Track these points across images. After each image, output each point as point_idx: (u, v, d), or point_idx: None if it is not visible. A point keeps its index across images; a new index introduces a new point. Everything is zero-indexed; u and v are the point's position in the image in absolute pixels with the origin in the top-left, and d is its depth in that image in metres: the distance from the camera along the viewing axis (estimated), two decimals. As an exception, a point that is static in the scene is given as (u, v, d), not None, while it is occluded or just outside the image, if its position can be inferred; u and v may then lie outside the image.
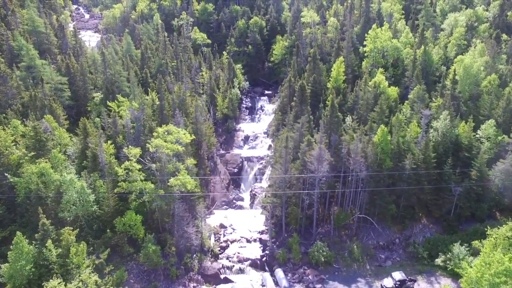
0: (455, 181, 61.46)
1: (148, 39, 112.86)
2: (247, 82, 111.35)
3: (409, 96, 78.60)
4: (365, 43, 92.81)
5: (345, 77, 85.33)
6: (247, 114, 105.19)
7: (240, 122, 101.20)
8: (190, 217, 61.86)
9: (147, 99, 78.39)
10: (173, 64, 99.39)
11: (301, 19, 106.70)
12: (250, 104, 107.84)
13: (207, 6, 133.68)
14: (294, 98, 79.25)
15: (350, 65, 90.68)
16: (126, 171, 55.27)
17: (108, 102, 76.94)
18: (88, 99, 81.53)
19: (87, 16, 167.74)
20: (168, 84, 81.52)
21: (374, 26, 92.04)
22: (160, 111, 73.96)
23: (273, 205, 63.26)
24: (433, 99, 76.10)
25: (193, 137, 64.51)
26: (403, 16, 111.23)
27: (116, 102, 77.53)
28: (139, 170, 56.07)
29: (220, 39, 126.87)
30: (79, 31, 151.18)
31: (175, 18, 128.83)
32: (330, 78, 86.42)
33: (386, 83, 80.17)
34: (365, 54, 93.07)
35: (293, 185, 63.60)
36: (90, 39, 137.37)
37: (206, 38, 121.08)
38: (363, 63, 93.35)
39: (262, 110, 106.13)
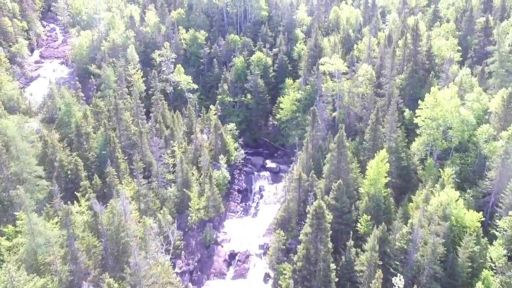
0: None
1: (108, 89, 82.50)
2: (242, 152, 79.37)
3: (498, 228, 45.87)
4: (417, 112, 60.10)
5: (389, 179, 52.81)
6: (239, 201, 73.40)
7: (227, 217, 69.43)
8: None
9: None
10: (133, 133, 68.88)
11: (320, 67, 74.37)
12: (244, 185, 76.11)
13: (197, 35, 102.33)
14: (309, 228, 46.62)
15: (394, 151, 58.12)
16: None
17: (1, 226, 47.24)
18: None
19: (60, 39, 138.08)
20: (93, 204, 49.34)
21: (435, 89, 58.97)
22: (72, 260, 42.99)
23: None
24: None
25: None
26: (459, 55, 78.48)
27: (14, 227, 47.58)
28: None
29: (212, 81, 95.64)
30: (43, 61, 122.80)
31: (156, 50, 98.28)
32: (364, 177, 54.23)
33: (461, 205, 47.22)
34: (418, 132, 60.23)
35: None
36: (52, 75, 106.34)
37: (191, 82, 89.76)
38: (414, 144, 60.48)
39: (261, 196, 74.38)
